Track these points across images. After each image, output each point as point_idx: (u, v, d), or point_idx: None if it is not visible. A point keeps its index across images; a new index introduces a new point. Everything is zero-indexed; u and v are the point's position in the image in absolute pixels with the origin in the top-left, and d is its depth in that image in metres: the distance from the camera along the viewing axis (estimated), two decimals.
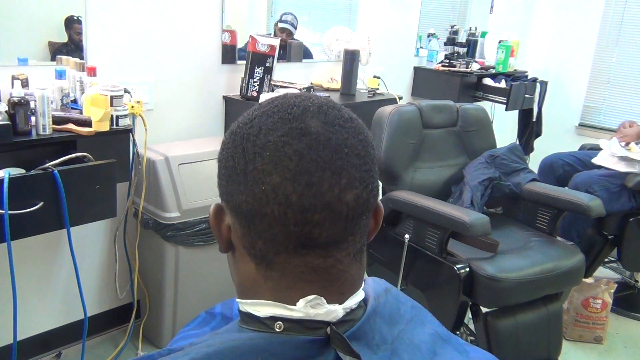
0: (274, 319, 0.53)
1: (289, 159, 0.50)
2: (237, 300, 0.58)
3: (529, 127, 3.77)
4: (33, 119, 1.59)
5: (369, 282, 0.61)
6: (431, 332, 0.61)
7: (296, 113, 0.53)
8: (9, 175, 1.43)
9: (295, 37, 2.79)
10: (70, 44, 1.94)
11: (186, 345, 0.54)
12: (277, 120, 0.52)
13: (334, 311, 0.53)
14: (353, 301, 0.55)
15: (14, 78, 1.69)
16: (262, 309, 0.54)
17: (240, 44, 2.48)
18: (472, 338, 2.05)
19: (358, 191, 0.52)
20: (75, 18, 1.93)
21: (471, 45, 3.72)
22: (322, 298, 0.52)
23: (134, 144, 1.98)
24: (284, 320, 0.52)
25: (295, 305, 0.52)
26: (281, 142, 0.51)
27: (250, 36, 2.28)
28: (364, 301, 0.57)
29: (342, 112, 0.55)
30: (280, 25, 2.67)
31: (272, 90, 2.35)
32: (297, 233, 0.51)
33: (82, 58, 1.93)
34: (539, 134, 3.79)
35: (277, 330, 0.52)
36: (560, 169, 2.87)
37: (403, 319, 0.60)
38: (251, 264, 0.55)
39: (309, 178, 0.50)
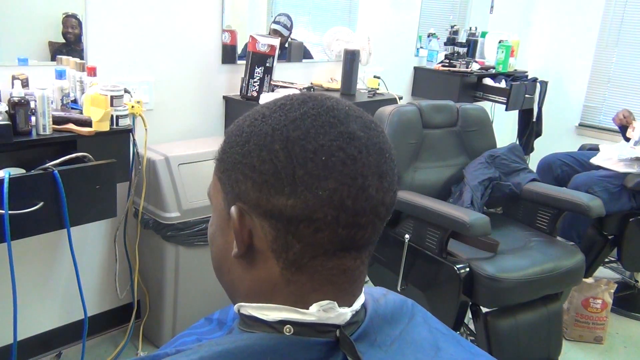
0: (283, 322, 0.52)
1: (343, 164, 0.49)
2: (240, 303, 0.57)
3: (529, 127, 3.77)
4: (33, 119, 1.60)
5: (364, 289, 0.61)
6: (432, 329, 0.62)
7: (340, 116, 0.52)
8: (9, 175, 1.43)
9: (294, 37, 2.79)
10: (67, 43, 1.94)
11: (189, 343, 0.54)
12: (323, 123, 0.51)
13: (344, 314, 0.53)
14: (359, 303, 0.56)
15: (14, 78, 1.69)
16: (272, 313, 0.53)
17: (240, 44, 2.48)
18: (472, 338, 2.05)
19: (392, 193, 0.54)
20: (70, 14, 1.92)
21: (471, 45, 3.72)
22: (335, 303, 0.53)
23: (134, 144, 1.98)
24: (294, 324, 0.52)
25: (307, 309, 0.52)
26: (334, 147, 0.50)
27: (250, 36, 2.28)
28: (364, 304, 0.58)
29: (368, 116, 0.56)
30: (272, 27, 2.67)
31: (272, 90, 2.35)
32: (343, 236, 0.51)
33: (81, 58, 1.93)
34: (539, 134, 3.79)
35: (287, 333, 0.52)
36: (559, 169, 2.87)
37: (405, 316, 0.61)
38: (276, 269, 0.53)
39: (362, 182, 0.50)
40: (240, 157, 0.52)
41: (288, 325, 0.52)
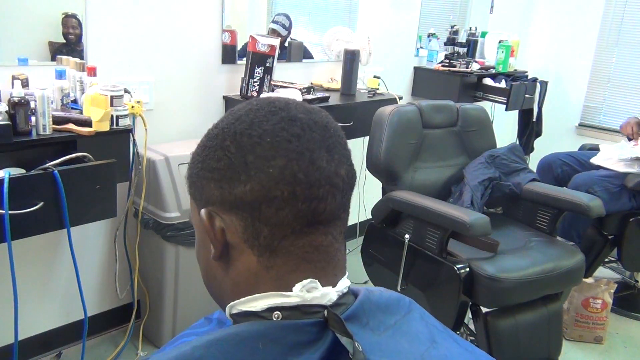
0: (271, 309, 0.54)
1: (288, 142, 0.54)
2: (229, 304, 0.58)
3: (529, 127, 3.77)
4: (33, 119, 1.60)
5: (358, 287, 0.62)
6: (429, 325, 0.62)
7: (280, 106, 0.57)
8: (9, 175, 1.43)
9: (294, 37, 2.79)
10: (67, 43, 1.94)
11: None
12: (265, 113, 0.56)
13: (329, 294, 0.55)
14: (343, 284, 0.57)
15: (14, 78, 1.69)
16: (258, 302, 0.55)
17: (240, 44, 2.48)
18: (472, 338, 2.05)
19: (347, 167, 0.58)
20: (70, 14, 1.92)
21: (471, 45, 3.72)
22: (317, 281, 0.55)
23: (134, 144, 1.98)
24: (282, 309, 0.53)
25: (291, 291, 0.54)
26: (277, 129, 0.54)
27: (250, 36, 2.28)
28: (354, 293, 0.59)
29: (310, 105, 0.61)
30: (271, 26, 2.67)
31: (272, 90, 2.35)
32: (305, 211, 0.54)
33: (81, 58, 1.93)
34: (539, 134, 3.79)
35: (275, 319, 0.53)
36: (559, 169, 2.87)
37: (401, 309, 0.61)
38: (252, 258, 0.56)
39: (310, 155, 0.54)
40: (201, 165, 0.57)
41: (276, 312, 0.53)
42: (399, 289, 2.02)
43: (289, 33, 2.72)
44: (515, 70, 3.72)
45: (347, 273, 0.60)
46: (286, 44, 2.72)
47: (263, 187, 0.53)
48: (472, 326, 2.02)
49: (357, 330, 0.54)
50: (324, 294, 0.54)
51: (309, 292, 0.54)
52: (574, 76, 4.21)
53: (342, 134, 0.59)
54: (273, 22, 2.68)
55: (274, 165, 0.53)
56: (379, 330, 0.56)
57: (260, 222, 0.54)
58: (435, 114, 2.33)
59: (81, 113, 1.73)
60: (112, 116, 1.73)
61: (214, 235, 0.56)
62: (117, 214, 1.79)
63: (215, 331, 0.53)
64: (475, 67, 3.45)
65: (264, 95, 2.29)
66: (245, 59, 2.34)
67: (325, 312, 0.53)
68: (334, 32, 2.88)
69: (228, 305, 0.58)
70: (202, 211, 0.56)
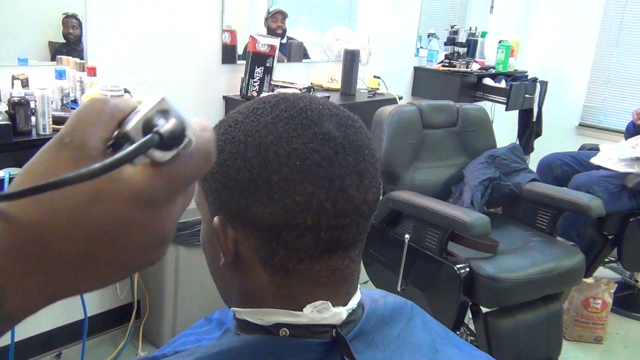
0: (279, 325, 0.52)
1: (318, 167, 0.49)
2: (234, 308, 0.57)
3: (529, 127, 3.77)
4: (33, 119, 1.60)
5: (362, 292, 0.61)
6: (430, 332, 0.62)
7: (313, 117, 0.51)
8: (9, 175, 1.43)
9: (294, 37, 2.79)
10: (67, 43, 1.94)
11: (189, 343, 0.54)
12: (295, 126, 0.50)
13: (339, 314, 0.53)
14: (355, 301, 0.56)
15: (14, 78, 1.69)
16: (266, 317, 0.53)
17: (240, 44, 2.48)
18: (472, 338, 2.05)
19: (375, 190, 0.53)
20: (70, 14, 1.92)
21: (471, 45, 3.72)
22: (329, 302, 0.52)
23: None
24: (290, 326, 0.52)
25: (301, 311, 0.52)
26: (308, 150, 0.49)
27: (250, 36, 2.28)
28: (361, 304, 0.58)
29: (345, 112, 0.55)
30: (272, 10, 2.64)
31: (272, 90, 2.35)
32: (326, 239, 0.50)
33: (81, 58, 1.93)
34: (539, 134, 3.79)
35: (282, 335, 0.52)
36: (559, 169, 2.87)
37: (404, 317, 0.60)
38: (264, 274, 0.53)
39: (341, 183, 0.49)
40: (217, 167, 0.51)
41: (284, 328, 0.52)
42: (399, 289, 2.02)
43: (286, 17, 2.70)
44: (515, 70, 3.72)
45: (359, 288, 0.58)
46: (284, 41, 2.71)
47: (286, 213, 0.48)
48: (472, 326, 2.02)
49: (364, 349, 0.53)
50: (334, 315, 0.53)
51: (320, 312, 0.52)
52: (574, 76, 4.21)
53: (374, 151, 0.54)
54: (270, 11, 2.67)
55: (300, 191, 0.48)
56: (384, 345, 0.55)
57: (277, 244, 0.50)
58: (435, 114, 2.33)
59: None
60: None
61: (225, 245, 0.53)
62: None
63: (220, 342, 0.52)
64: (475, 67, 3.45)
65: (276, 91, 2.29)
66: (245, 59, 2.34)
67: (334, 332, 0.52)
68: (334, 32, 2.88)
69: (234, 308, 0.57)
70: (216, 219, 0.52)
